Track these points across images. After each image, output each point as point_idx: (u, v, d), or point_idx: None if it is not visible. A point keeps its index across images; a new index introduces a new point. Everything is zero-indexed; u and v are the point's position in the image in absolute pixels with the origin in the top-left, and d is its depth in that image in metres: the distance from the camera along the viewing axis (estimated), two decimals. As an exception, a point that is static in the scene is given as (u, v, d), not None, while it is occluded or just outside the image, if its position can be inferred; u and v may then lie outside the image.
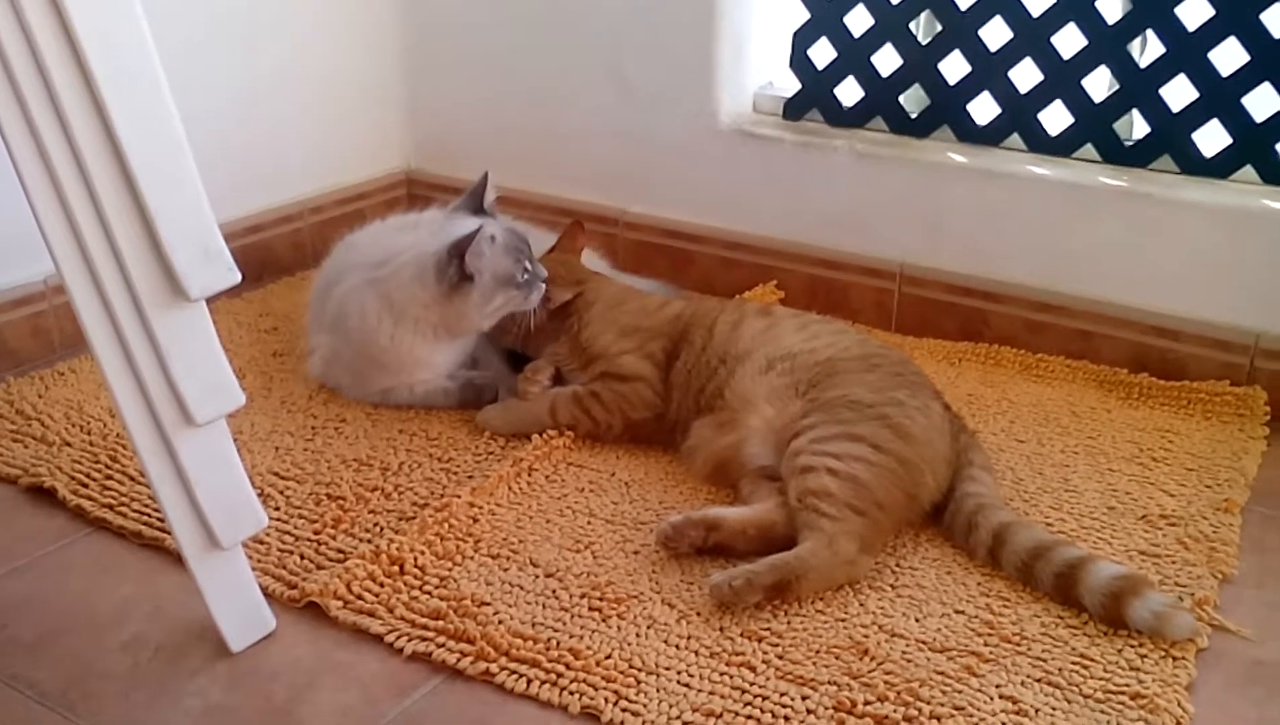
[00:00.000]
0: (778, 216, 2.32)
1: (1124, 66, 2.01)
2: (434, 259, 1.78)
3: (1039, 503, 1.64)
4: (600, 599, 1.41)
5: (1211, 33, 1.91)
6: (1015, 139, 2.13)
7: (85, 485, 1.63)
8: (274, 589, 1.42)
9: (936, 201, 2.16)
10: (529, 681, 1.27)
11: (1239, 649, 1.36)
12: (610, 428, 1.78)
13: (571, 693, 1.26)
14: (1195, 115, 1.96)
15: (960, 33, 2.11)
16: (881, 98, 2.23)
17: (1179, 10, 1.93)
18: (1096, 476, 1.71)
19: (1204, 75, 1.93)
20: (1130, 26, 1.98)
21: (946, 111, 2.17)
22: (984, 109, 2.15)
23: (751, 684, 1.27)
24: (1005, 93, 2.11)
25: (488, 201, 1.92)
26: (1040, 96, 2.08)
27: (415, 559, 1.46)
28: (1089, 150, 2.07)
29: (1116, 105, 2.03)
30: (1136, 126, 2.07)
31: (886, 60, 2.20)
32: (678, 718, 1.22)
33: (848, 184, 2.24)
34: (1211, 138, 1.96)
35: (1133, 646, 1.33)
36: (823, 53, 2.25)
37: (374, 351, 1.85)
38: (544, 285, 1.82)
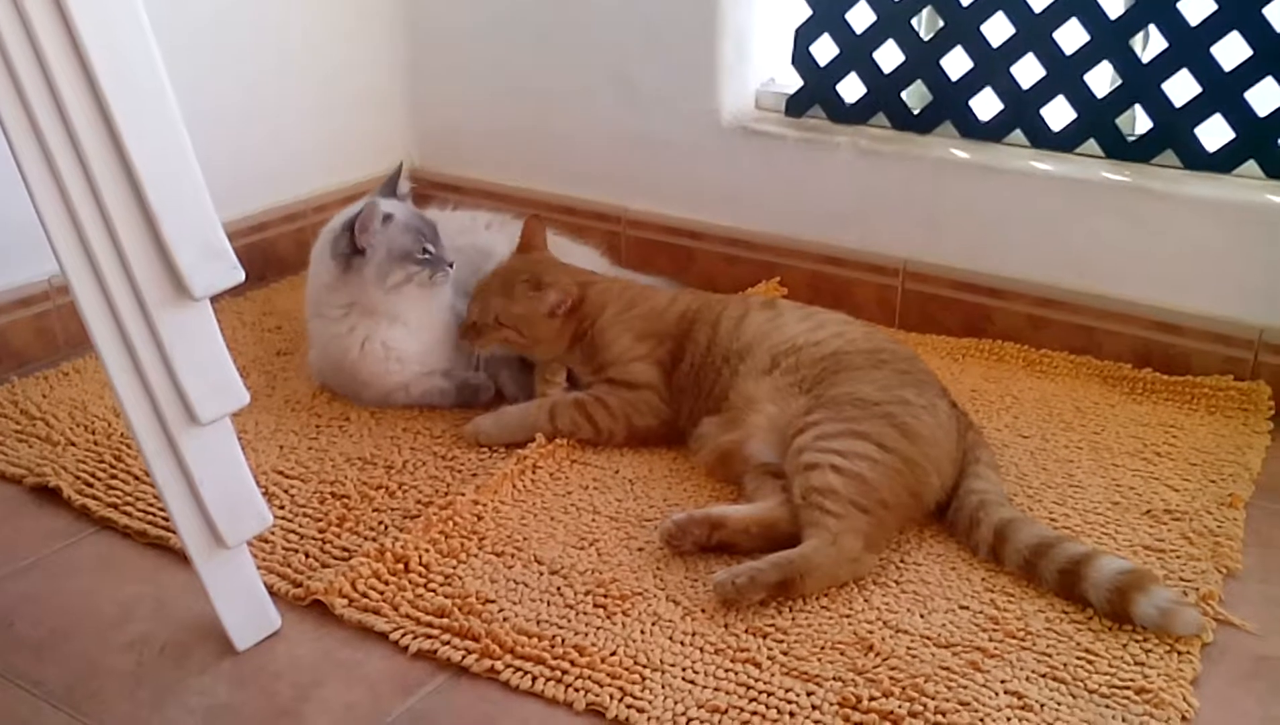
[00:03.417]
0: (780, 213, 2.32)
1: (1126, 62, 2.00)
2: (330, 236, 1.82)
3: (1043, 498, 1.64)
4: (605, 596, 1.41)
5: (1214, 27, 1.90)
6: (1018, 135, 2.13)
7: (90, 484, 1.64)
8: (279, 587, 1.43)
9: (939, 198, 2.16)
10: (534, 679, 1.28)
11: (1244, 644, 1.36)
12: (613, 435, 1.77)
13: (577, 689, 1.26)
14: (1198, 110, 1.95)
15: (962, 29, 2.11)
16: (883, 94, 2.22)
17: (1181, 5, 1.92)
18: (1100, 472, 1.71)
19: (1206, 70, 1.93)
20: (1132, 22, 1.98)
21: (949, 108, 2.17)
22: (986, 105, 2.14)
23: (756, 680, 1.27)
24: (1007, 89, 2.11)
25: (401, 191, 1.94)
26: (1042, 92, 2.07)
27: (420, 557, 1.47)
28: (1091, 146, 2.07)
29: (1119, 101, 2.03)
30: (1139, 122, 2.07)
31: (888, 56, 2.20)
32: (683, 714, 1.23)
33: (850, 181, 2.23)
34: (1214, 133, 1.96)
35: (1137, 641, 1.33)
36: (825, 49, 2.25)
37: (345, 364, 1.86)
38: (450, 269, 1.83)
